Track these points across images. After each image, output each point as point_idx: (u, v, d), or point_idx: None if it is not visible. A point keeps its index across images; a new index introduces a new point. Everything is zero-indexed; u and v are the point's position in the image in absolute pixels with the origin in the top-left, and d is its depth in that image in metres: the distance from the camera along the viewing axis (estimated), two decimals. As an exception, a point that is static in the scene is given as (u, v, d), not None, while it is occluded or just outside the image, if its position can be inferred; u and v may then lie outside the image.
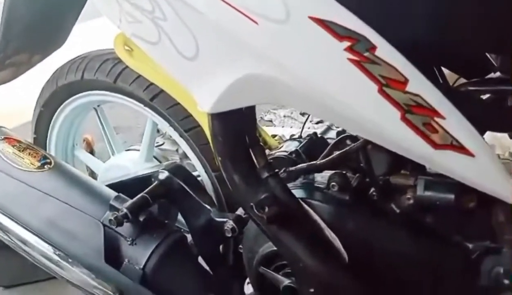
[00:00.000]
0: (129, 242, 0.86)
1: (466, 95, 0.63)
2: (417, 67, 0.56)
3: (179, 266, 0.88)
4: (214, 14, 0.58)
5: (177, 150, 1.18)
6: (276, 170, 0.70)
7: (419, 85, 0.54)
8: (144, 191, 0.90)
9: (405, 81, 0.54)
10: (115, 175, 1.11)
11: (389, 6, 0.60)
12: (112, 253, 0.85)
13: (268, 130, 1.14)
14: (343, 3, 0.53)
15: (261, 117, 2.60)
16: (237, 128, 0.69)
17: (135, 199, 0.88)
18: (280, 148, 0.89)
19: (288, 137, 1.01)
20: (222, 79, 0.62)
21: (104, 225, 0.86)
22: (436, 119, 0.55)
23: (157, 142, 1.23)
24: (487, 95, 0.70)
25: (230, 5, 0.56)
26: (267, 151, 0.91)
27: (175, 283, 0.87)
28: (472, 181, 0.57)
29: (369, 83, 0.54)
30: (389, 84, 0.54)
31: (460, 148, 0.55)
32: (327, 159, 0.74)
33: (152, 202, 0.90)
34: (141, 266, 0.84)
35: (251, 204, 0.64)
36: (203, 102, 0.66)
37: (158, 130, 1.24)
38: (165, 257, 0.85)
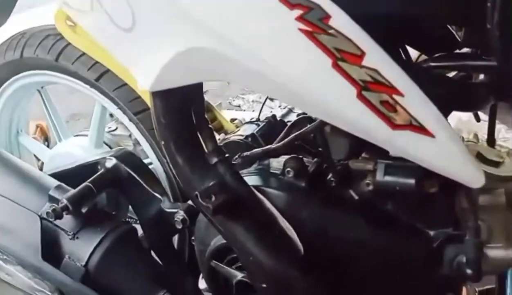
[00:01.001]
0: (70, 237, 0.78)
1: (429, 72, 0.58)
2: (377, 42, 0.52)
3: (127, 261, 0.81)
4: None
5: (130, 135, 1.10)
6: (227, 155, 0.64)
7: (377, 59, 0.49)
8: (88, 180, 0.82)
9: (362, 54, 0.49)
10: (62, 163, 1.02)
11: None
12: (51, 249, 0.77)
13: (228, 114, 1.08)
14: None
15: (229, 102, 2.54)
16: (183, 109, 0.62)
17: (77, 189, 0.80)
18: (236, 132, 0.83)
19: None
20: (162, 53, 0.55)
21: (42, 218, 0.78)
22: (395, 96, 0.50)
23: (109, 127, 1.14)
24: (453, 73, 0.66)
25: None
26: (222, 135, 0.85)
27: (122, 280, 0.80)
28: (431, 164, 0.52)
29: (322, 57, 0.48)
30: (344, 58, 0.49)
31: (419, 128, 0.50)
32: (281, 142, 0.69)
33: (97, 192, 0.82)
34: (83, 263, 0.76)
35: (196, 192, 0.58)
36: (142, 79, 0.59)
37: (111, 115, 1.16)
38: (111, 252, 0.78)
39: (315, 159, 0.71)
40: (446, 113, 0.74)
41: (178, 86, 0.57)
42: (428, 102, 0.51)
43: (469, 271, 0.60)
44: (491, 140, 0.78)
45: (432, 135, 0.51)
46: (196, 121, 0.64)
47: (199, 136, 0.64)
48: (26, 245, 0.78)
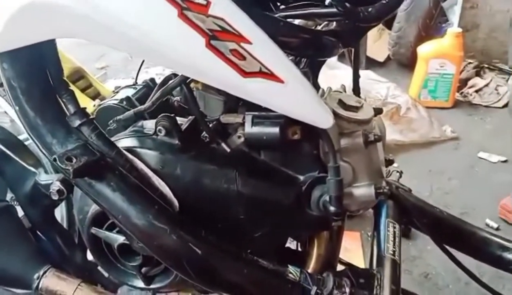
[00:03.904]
0: None
1: (282, 22, 0.60)
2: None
3: (4, 240, 0.76)
4: None
5: (6, 111, 1.02)
6: (92, 117, 0.62)
7: (223, 7, 0.50)
8: None
9: (207, 4, 0.49)
10: None
11: None
12: None
13: (114, 83, 1.04)
14: None
15: (132, 77, 2.45)
16: (36, 70, 0.59)
17: None
18: (112, 97, 0.80)
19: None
20: (2, 10, 0.51)
21: None
22: (243, 44, 0.51)
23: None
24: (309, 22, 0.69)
25: None
26: (97, 101, 0.82)
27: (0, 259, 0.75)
28: (283, 108, 0.55)
29: (166, 6, 0.48)
30: (189, 7, 0.49)
31: (269, 75, 0.52)
32: (150, 101, 0.68)
33: (-40, 172, 0.76)
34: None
35: (54, 156, 0.56)
36: (-17, 40, 0.54)
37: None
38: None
39: (190, 117, 0.71)
40: (315, 65, 0.78)
41: (25, 45, 0.54)
42: (276, 50, 0.53)
43: (332, 208, 0.64)
44: (356, 89, 0.84)
45: (281, 81, 0.53)
46: (54, 83, 0.60)
47: (59, 99, 0.61)
48: None
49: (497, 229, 1.73)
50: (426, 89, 2.69)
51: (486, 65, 3.04)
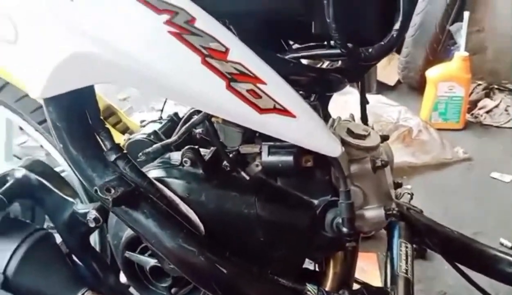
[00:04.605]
0: (-15, 248, 0.80)
1: (292, 63, 0.67)
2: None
3: (44, 265, 0.83)
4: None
5: (41, 146, 1.11)
6: (125, 152, 0.69)
7: (240, 53, 0.57)
8: (-2, 192, 0.84)
9: (226, 50, 0.57)
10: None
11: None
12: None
13: (139, 117, 1.12)
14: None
15: (152, 107, 2.60)
16: (77, 112, 0.67)
17: (-15, 202, 0.81)
18: (140, 131, 0.88)
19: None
20: (48, 61, 0.60)
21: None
22: (259, 85, 0.58)
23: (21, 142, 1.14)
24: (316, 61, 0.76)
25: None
26: (126, 136, 0.90)
27: (41, 284, 0.82)
28: (297, 140, 0.62)
29: (191, 55, 0.56)
30: (211, 54, 0.56)
31: (282, 111, 0.59)
32: (176, 135, 0.75)
33: (8, 203, 0.84)
34: (1, 271, 0.78)
35: (95, 187, 0.63)
36: (32, 87, 0.63)
37: (21, 127, 1.15)
38: (28, 258, 0.80)
39: (211, 148, 0.78)
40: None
41: (68, 90, 0.62)
42: (288, 88, 0.60)
43: (345, 230, 0.70)
44: (363, 118, 0.90)
45: (293, 116, 0.60)
46: (93, 122, 0.68)
47: (97, 137, 0.69)
48: None
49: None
50: (436, 111, 2.73)
51: (496, 86, 3.08)
